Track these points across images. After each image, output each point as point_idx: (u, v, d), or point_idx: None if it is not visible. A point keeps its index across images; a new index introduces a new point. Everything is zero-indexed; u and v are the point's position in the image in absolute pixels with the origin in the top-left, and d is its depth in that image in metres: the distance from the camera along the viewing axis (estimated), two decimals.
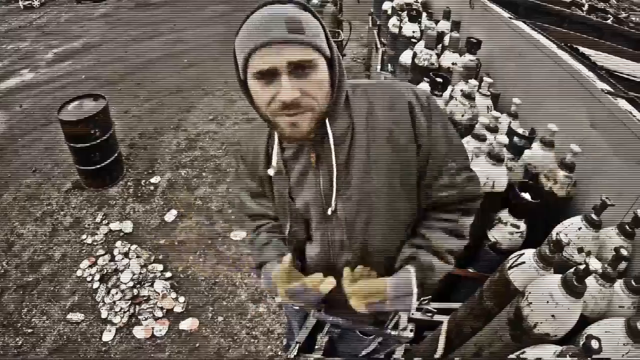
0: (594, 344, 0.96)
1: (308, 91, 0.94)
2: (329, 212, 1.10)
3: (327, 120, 1.03)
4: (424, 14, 3.55)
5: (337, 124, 1.05)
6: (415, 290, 1.08)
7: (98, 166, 3.94)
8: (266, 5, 0.93)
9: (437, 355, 1.37)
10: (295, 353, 1.38)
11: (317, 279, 1.08)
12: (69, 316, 2.95)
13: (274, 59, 0.90)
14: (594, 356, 0.95)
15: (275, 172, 1.11)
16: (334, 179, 1.07)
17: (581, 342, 0.99)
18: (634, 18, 4.94)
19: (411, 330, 1.34)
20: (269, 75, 0.92)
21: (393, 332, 1.32)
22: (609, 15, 4.52)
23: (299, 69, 0.92)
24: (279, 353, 2.69)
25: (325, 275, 1.16)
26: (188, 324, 2.90)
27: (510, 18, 2.78)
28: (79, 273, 3.25)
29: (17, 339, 2.81)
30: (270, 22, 0.90)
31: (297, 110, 0.94)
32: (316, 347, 1.45)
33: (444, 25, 3.33)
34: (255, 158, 1.20)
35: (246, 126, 1.37)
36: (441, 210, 1.17)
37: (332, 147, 1.04)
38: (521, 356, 1.15)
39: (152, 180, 4.21)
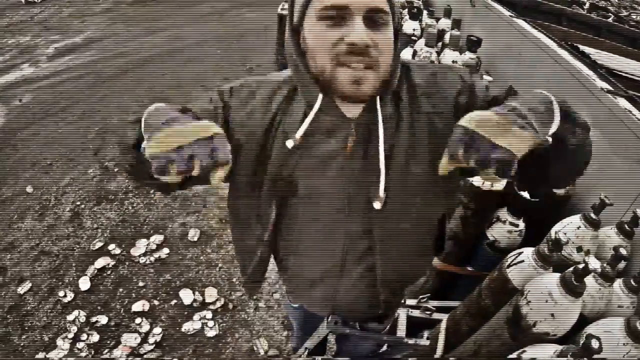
0: (594, 343, 0.96)
1: (378, 44, 0.85)
2: (378, 206, 0.95)
3: (377, 100, 0.92)
4: (425, 12, 3.55)
5: (386, 106, 0.95)
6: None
7: None
8: None
9: (437, 355, 1.37)
10: (305, 355, 1.35)
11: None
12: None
13: None
14: (594, 356, 0.96)
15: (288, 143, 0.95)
16: (382, 168, 0.93)
17: (581, 342, 0.99)
18: (634, 16, 4.94)
19: (427, 339, 1.30)
20: (337, 17, 0.83)
21: (410, 341, 1.29)
22: (610, 14, 4.52)
23: (372, 20, 0.84)
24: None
25: (327, 265, 1.10)
26: None
27: (511, 16, 2.78)
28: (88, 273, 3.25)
29: (24, 336, 2.80)
30: None
31: (364, 60, 0.84)
32: (327, 349, 1.42)
33: (445, 23, 3.32)
34: (254, 104, 1.01)
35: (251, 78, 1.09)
36: None
37: (381, 132, 0.93)
38: (522, 356, 1.15)
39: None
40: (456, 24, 3.03)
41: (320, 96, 0.92)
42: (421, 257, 1.17)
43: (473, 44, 2.73)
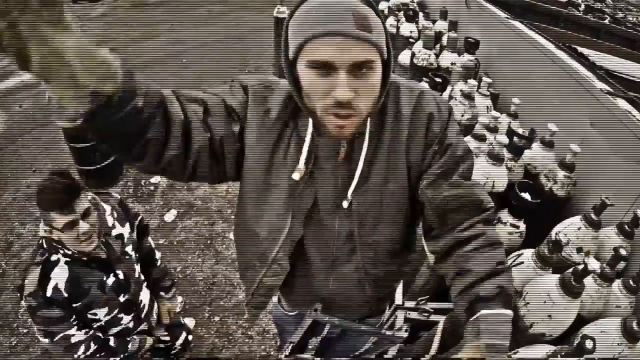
0: (588, 344, 0.95)
1: (362, 93, 0.88)
2: (345, 205, 1.03)
3: (367, 121, 0.98)
4: (421, 14, 3.55)
5: (373, 120, 1.01)
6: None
7: (98, 166, 3.91)
8: None
9: (430, 355, 1.37)
10: (287, 353, 1.36)
11: None
12: None
13: (335, 54, 0.83)
14: (586, 356, 0.95)
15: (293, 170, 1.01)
16: (357, 173, 1.01)
17: (575, 342, 0.98)
18: (630, 18, 4.94)
19: (406, 331, 1.33)
20: (324, 68, 0.85)
21: (388, 332, 1.31)
22: (606, 16, 4.52)
23: (357, 68, 0.86)
24: (272, 353, 2.67)
25: (322, 268, 1.15)
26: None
27: (507, 18, 2.78)
28: None
29: (12, 339, 2.80)
30: (336, 11, 0.83)
31: (348, 111, 0.88)
32: (309, 347, 1.43)
33: (441, 25, 3.32)
34: (271, 104, 1.04)
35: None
36: (457, 231, 1.01)
37: (366, 144, 1.00)
38: (513, 356, 1.14)
39: (152, 180, 4.20)
40: (453, 26, 3.03)
41: (311, 122, 0.98)
42: (395, 258, 1.20)
43: (471, 46, 2.73)
